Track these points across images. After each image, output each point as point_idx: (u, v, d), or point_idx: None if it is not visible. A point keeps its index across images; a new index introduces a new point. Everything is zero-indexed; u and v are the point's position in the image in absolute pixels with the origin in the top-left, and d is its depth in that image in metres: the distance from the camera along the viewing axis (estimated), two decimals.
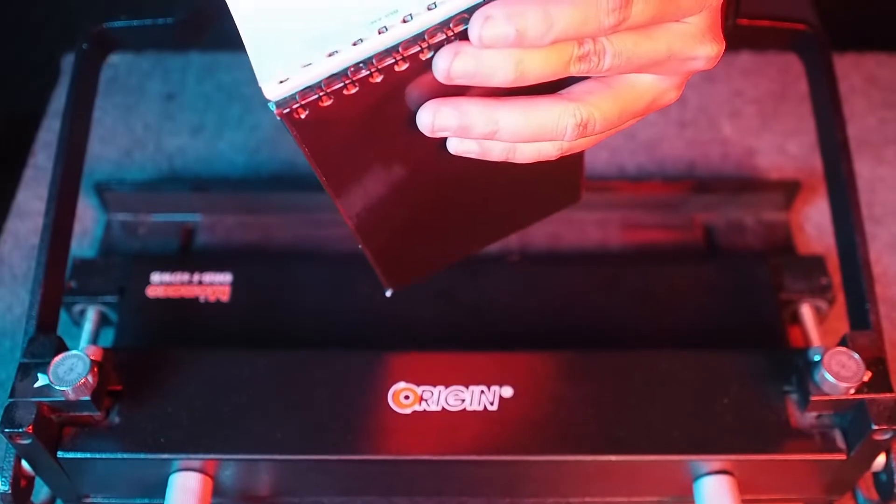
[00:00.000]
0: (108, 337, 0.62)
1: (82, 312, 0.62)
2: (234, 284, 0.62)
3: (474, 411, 0.52)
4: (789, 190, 0.68)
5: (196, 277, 0.62)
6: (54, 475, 0.52)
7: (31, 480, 0.52)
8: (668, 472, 0.52)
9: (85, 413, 0.50)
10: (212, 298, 0.62)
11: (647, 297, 0.62)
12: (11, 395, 0.49)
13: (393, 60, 0.36)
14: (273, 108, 0.36)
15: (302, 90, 0.36)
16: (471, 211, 0.48)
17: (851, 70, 0.80)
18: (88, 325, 0.61)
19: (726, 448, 0.51)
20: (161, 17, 0.59)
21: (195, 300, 0.61)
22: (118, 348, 0.59)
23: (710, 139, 0.76)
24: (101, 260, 0.65)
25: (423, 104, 0.38)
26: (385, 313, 0.60)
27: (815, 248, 0.69)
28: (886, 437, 0.49)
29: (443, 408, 0.52)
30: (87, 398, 0.49)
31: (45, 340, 0.50)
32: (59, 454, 0.50)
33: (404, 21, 0.35)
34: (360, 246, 0.47)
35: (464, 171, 0.42)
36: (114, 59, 0.64)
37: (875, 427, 0.49)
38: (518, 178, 0.43)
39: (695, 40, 0.39)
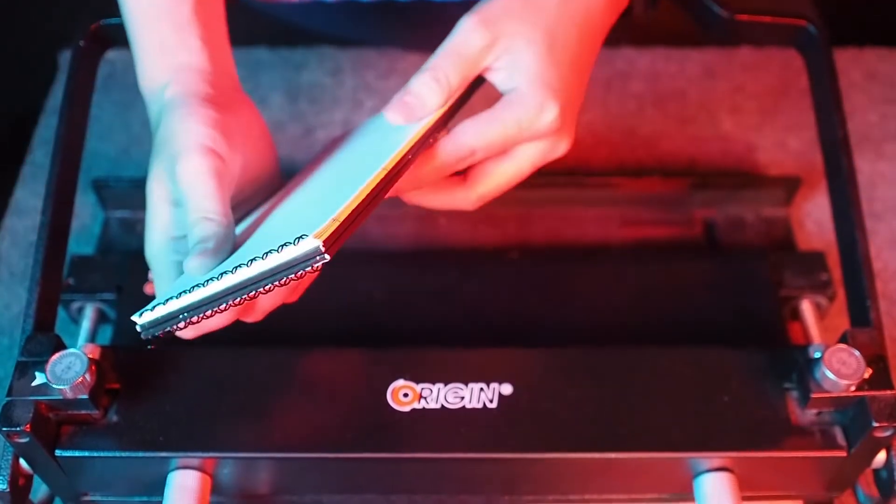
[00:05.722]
0: (106, 334, 0.62)
1: (80, 310, 0.62)
2: None
3: (473, 409, 0.52)
4: (790, 186, 0.68)
5: None
6: (52, 474, 0.51)
7: (29, 479, 0.52)
8: (668, 470, 0.52)
9: (83, 411, 0.50)
10: None
11: (646, 293, 0.62)
12: (9, 393, 0.49)
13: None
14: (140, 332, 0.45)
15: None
16: None
17: (851, 65, 0.79)
18: (86, 323, 0.61)
19: (726, 445, 0.51)
20: None
21: None
22: (116, 346, 0.59)
23: (711, 135, 0.75)
24: (100, 257, 0.65)
25: None
26: (384, 311, 0.60)
27: (815, 244, 0.68)
28: (887, 433, 0.49)
29: (442, 405, 0.52)
30: (85, 396, 0.49)
31: (43, 339, 0.50)
32: (57, 453, 0.50)
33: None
34: None
35: None
36: (111, 55, 0.63)
37: (876, 424, 0.48)
38: None
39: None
